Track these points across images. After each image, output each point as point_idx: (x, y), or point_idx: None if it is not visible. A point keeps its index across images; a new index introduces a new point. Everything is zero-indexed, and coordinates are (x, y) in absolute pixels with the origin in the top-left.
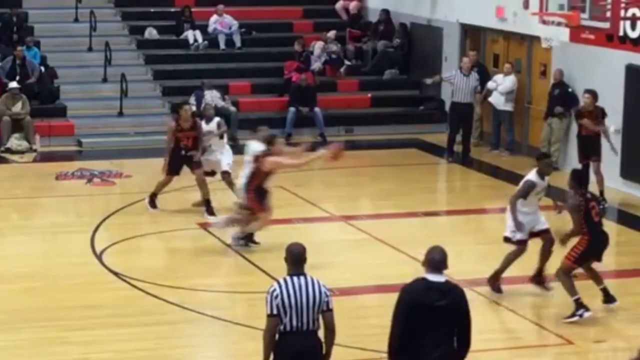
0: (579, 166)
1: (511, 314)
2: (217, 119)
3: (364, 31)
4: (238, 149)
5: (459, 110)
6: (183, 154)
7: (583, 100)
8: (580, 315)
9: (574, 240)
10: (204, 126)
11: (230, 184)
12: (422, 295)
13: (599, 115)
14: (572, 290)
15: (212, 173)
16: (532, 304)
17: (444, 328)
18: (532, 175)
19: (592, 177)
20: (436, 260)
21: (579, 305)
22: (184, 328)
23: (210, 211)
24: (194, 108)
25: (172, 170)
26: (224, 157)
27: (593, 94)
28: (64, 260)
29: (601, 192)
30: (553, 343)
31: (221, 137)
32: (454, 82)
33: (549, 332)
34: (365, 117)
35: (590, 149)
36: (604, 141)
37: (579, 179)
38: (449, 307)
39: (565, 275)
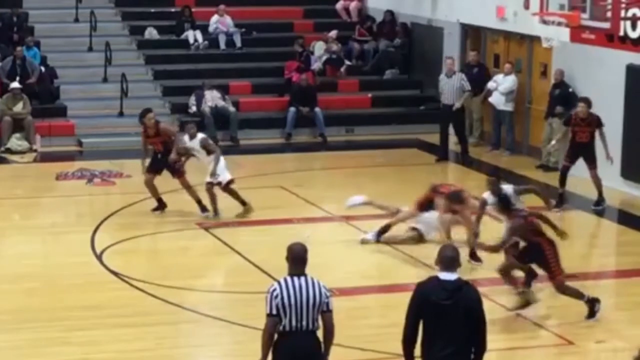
0: (579, 166)
1: (511, 314)
2: (200, 136)
3: (370, 31)
4: (239, 150)
5: (446, 112)
6: (159, 157)
7: (577, 108)
8: (597, 309)
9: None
10: (187, 142)
11: (212, 197)
12: (430, 293)
13: (593, 123)
14: (579, 295)
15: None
16: (534, 304)
17: (452, 327)
18: (485, 193)
19: (585, 176)
20: (447, 257)
21: (591, 302)
22: (184, 328)
23: (204, 208)
24: (194, 108)
25: (149, 169)
26: (210, 167)
27: (587, 102)
28: (64, 260)
29: (600, 193)
30: (553, 343)
31: (209, 152)
32: (440, 85)
33: (549, 332)
34: (365, 117)
35: (584, 155)
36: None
37: (504, 202)
38: (456, 307)
39: (565, 287)
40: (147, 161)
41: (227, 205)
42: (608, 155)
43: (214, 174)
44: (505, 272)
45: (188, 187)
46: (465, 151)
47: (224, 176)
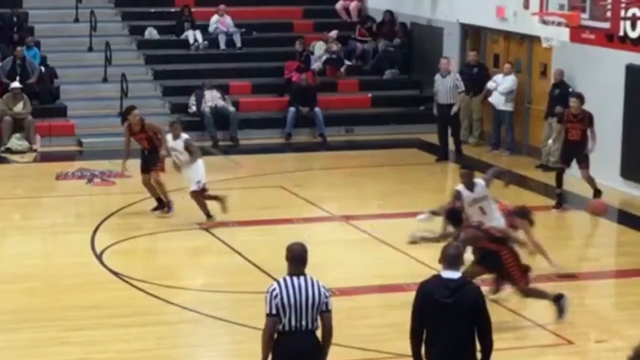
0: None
1: (511, 314)
2: (184, 136)
3: (370, 31)
4: (239, 150)
5: (442, 112)
6: (146, 154)
7: (570, 103)
8: (565, 304)
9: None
10: (170, 142)
11: (201, 204)
12: (433, 292)
13: (585, 120)
14: (543, 295)
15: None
16: (532, 304)
17: (454, 326)
18: (458, 186)
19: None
20: (450, 255)
21: (556, 298)
22: (184, 328)
23: (164, 206)
24: (194, 108)
25: (142, 169)
26: (192, 174)
27: (580, 98)
28: (64, 260)
29: (595, 190)
30: (553, 343)
31: (191, 154)
32: (436, 85)
33: (549, 332)
34: (365, 117)
35: (576, 155)
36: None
37: (453, 218)
38: (458, 305)
39: (528, 291)
40: (128, 161)
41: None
42: (590, 147)
43: (199, 181)
44: None
45: (158, 184)
46: (459, 151)
47: (204, 180)
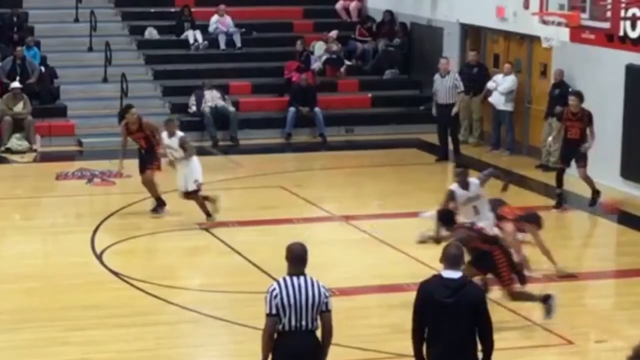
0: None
1: (511, 314)
2: (179, 134)
3: (370, 31)
4: (239, 150)
5: (441, 112)
6: (143, 153)
7: (569, 102)
8: (553, 303)
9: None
10: (165, 139)
11: (201, 203)
12: (433, 291)
13: (585, 119)
14: (532, 297)
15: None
16: (532, 304)
17: (454, 325)
18: (452, 185)
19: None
20: (451, 255)
21: (544, 299)
22: (184, 328)
23: (161, 206)
24: (194, 108)
25: (141, 169)
26: (189, 173)
27: (579, 96)
28: (64, 260)
29: (593, 190)
30: (553, 343)
31: (186, 151)
32: (435, 85)
33: (549, 332)
34: (365, 117)
35: (575, 154)
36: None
37: (444, 219)
38: (459, 305)
39: (517, 294)
40: (125, 161)
41: (223, 206)
42: (587, 145)
43: (196, 180)
44: None
45: (152, 183)
46: (457, 151)
47: (201, 179)
